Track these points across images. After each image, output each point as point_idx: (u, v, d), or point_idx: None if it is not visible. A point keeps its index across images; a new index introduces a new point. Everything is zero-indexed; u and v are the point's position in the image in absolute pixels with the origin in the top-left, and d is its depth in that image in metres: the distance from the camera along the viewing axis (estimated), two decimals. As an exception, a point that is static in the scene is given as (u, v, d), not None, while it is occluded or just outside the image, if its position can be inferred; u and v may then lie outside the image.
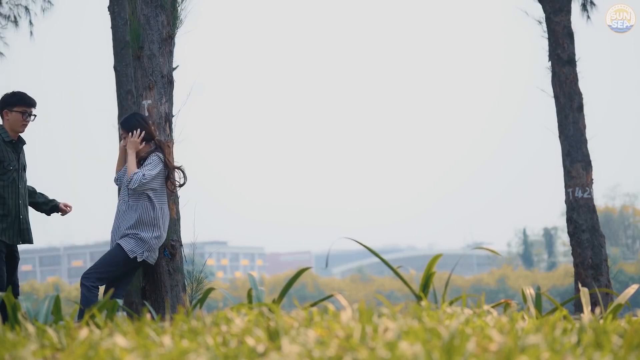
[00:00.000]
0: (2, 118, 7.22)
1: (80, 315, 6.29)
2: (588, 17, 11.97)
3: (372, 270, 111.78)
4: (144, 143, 7.06)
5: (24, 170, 7.29)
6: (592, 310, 5.95)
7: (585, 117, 11.19)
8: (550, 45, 11.30)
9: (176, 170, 7.11)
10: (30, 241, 7.26)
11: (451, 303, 3.89)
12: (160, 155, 7.01)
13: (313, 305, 3.81)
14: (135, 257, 6.88)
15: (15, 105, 7.17)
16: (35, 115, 7.22)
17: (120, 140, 7.29)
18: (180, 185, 7.18)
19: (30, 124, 7.26)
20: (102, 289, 6.99)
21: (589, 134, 11.13)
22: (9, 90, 7.29)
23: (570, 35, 11.24)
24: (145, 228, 6.91)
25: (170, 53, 7.31)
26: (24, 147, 7.30)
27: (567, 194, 11.10)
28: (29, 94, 7.23)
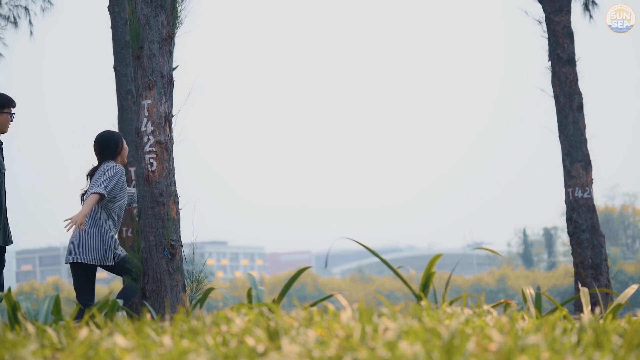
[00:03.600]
0: None
1: (79, 316, 6.31)
2: (590, 16, 11.96)
3: (372, 270, 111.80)
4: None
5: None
6: (592, 310, 5.96)
7: (585, 117, 11.19)
8: (550, 45, 11.30)
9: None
10: (11, 241, 7.20)
11: (451, 303, 3.89)
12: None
13: (313, 305, 3.81)
14: None
15: (4, 107, 7.06)
16: (14, 114, 7.17)
17: None
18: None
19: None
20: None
21: (588, 133, 11.14)
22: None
23: (570, 35, 11.24)
24: None
25: (170, 53, 7.31)
26: None
27: (567, 193, 11.10)
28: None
